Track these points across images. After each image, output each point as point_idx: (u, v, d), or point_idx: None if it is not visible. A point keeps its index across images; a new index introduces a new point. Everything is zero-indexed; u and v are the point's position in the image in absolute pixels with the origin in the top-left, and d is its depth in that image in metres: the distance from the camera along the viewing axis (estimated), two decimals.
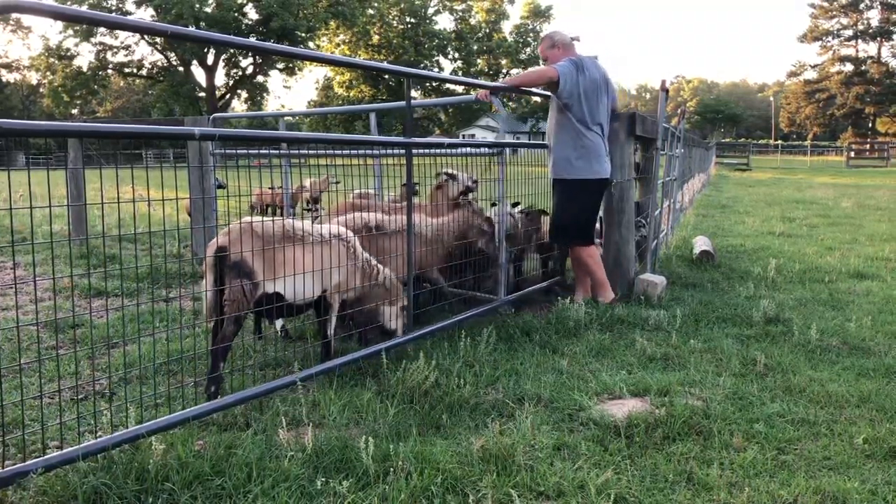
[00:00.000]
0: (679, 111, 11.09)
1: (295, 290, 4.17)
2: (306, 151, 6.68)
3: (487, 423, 3.62)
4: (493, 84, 5.94)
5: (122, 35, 54.62)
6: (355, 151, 6.45)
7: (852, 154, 45.56)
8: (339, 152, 6.32)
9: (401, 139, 4.92)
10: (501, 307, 5.75)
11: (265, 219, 4.18)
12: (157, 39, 54.43)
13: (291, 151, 6.77)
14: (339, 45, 71.13)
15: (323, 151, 6.54)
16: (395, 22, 72.90)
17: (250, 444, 3.20)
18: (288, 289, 4.13)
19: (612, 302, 5.98)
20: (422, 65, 70.38)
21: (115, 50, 55.58)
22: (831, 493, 2.94)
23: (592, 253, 6.11)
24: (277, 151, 7.00)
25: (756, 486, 3.01)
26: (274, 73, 61.76)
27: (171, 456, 2.98)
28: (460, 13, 76.64)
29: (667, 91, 7.03)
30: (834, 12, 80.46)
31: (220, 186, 6.58)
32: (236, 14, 53.51)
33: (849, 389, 4.09)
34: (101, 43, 54.05)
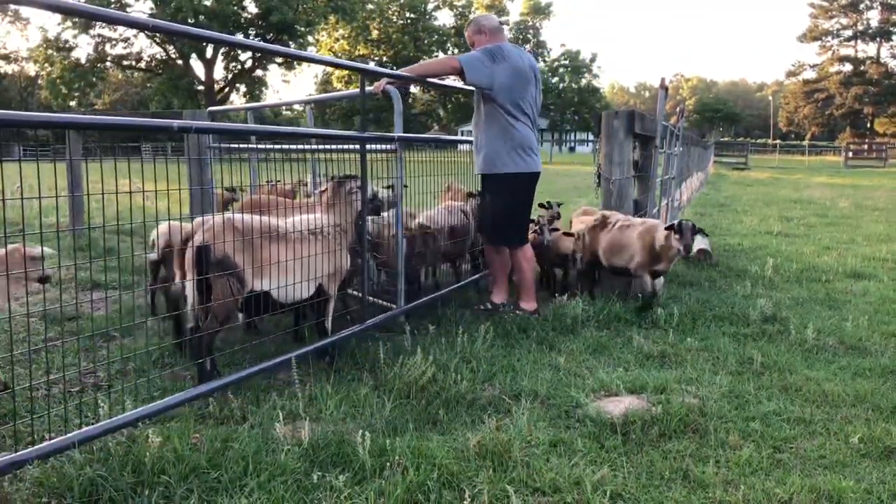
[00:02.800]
0: (678, 110, 11.09)
1: (287, 288, 4.15)
2: (275, 146, 6.56)
3: (484, 418, 3.62)
4: (392, 72, 5.52)
5: (121, 27, 54.44)
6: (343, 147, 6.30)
7: (850, 154, 45.53)
8: (334, 147, 6.25)
9: (354, 133, 4.87)
10: (398, 317, 5.23)
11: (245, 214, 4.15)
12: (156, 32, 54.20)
13: (263, 146, 6.68)
14: (338, 39, 71.11)
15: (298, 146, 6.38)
16: (394, 17, 72.89)
17: (247, 438, 3.20)
18: (280, 286, 4.11)
19: (531, 312, 5.67)
20: (422, 60, 70.38)
21: (113, 42, 55.34)
22: (826, 491, 2.95)
23: (527, 254, 5.81)
24: (245, 145, 6.91)
25: (751, 484, 3.02)
26: (273, 68, 61.52)
27: (167, 449, 2.97)
28: (460, 9, 76.62)
29: (666, 89, 7.03)
30: (833, 12, 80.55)
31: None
32: (235, 8, 53.32)
33: (845, 389, 4.10)
34: (99, 35, 53.82)
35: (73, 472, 2.78)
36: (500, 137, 5.54)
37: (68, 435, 2.90)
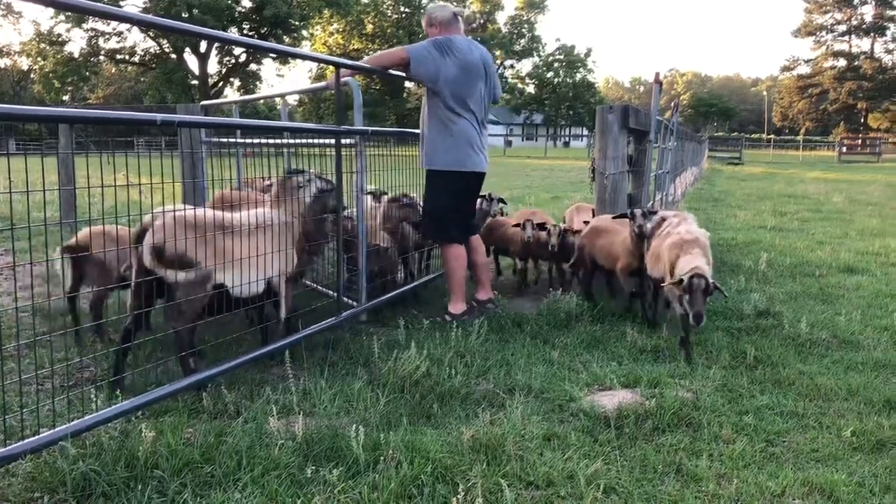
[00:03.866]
0: (672, 104, 11.10)
1: (242, 282, 4.00)
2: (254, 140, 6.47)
3: (478, 413, 3.63)
4: (345, 62, 5.27)
5: (114, 21, 54.14)
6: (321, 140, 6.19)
7: (844, 149, 45.66)
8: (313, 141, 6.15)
9: (331, 127, 4.81)
10: (359, 315, 5.19)
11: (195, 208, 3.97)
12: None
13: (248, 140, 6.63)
14: (332, 33, 70.93)
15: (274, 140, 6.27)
16: (388, 11, 72.74)
17: (240, 433, 3.20)
18: (233, 282, 3.96)
19: (458, 315, 5.42)
20: None
21: (107, 36, 55.09)
22: (819, 485, 2.97)
23: (459, 255, 5.56)
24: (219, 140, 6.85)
25: (744, 478, 3.03)
26: (267, 62, 61.46)
27: (160, 443, 2.97)
28: (454, 3, 76.46)
29: (661, 84, 7.03)
30: (828, 7, 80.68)
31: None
32: (230, 2, 53.11)
33: (837, 382, 4.12)
34: (92, 29, 53.56)
35: (66, 467, 2.78)
36: (441, 133, 5.37)
37: (59, 428, 2.89)
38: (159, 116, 3.22)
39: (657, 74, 6.98)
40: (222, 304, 3.97)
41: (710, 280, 4.36)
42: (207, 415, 3.54)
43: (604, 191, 6.44)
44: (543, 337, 5.02)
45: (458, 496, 2.67)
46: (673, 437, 3.42)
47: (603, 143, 6.37)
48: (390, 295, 5.56)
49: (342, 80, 4.91)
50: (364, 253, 5.17)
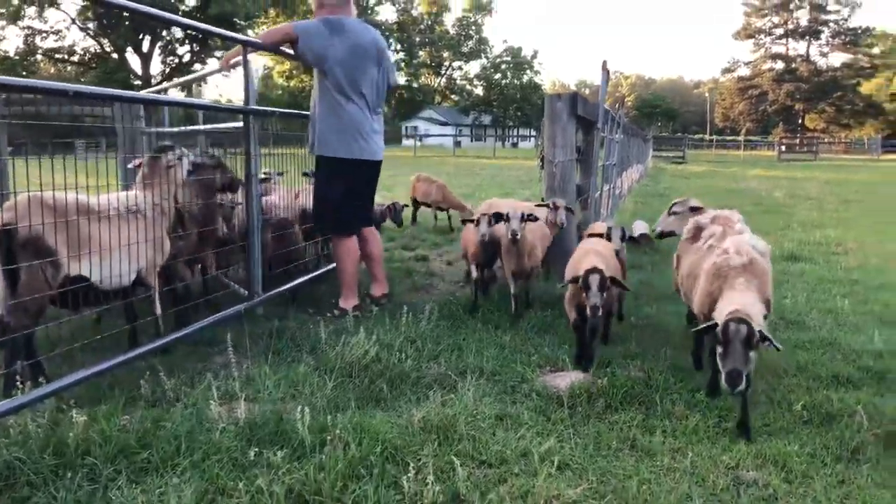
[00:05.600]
0: (617, 105, 11.20)
1: (105, 274, 3.71)
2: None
3: (429, 395, 3.54)
4: (250, 40, 5.00)
5: (52, 19, 52.58)
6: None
7: (783, 149, 46.85)
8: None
9: (238, 107, 4.67)
10: (255, 308, 4.93)
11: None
12: (90, 24, 52.62)
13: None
14: None
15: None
16: None
17: (180, 418, 3.06)
18: (97, 271, 3.67)
19: (352, 310, 5.09)
20: None
21: (44, 35, 53.54)
22: (772, 456, 2.96)
23: (349, 248, 5.28)
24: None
25: (699, 452, 3.01)
26: (212, 62, 60.39)
27: (93, 430, 2.82)
28: (402, 4, 76.47)
29: (608, 72, 7.05)
30: (766, 11, 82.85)
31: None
32: (173, 0, 52.11)
33: (787, 360, 4.15)
34: (28, 27, 52.04)
35: None
36: (329, 117, 5.10)
37: None
38: (71, 87, 3.13)
39: (604, 62, 6.99)
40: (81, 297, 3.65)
41: (756, 327, 3.12)
42: (145, 402, 3.38)
43: (553, 179, 6.40)
44: (495, 322, 4.95)
45: (409, 475, 2.58)
46: (626, 414, 3.39)
47: (552, 130, 6.34)
48: (291, 285, 5.24)
49: (233, 64, 4.82)
50: (258, 242, 4.88)
